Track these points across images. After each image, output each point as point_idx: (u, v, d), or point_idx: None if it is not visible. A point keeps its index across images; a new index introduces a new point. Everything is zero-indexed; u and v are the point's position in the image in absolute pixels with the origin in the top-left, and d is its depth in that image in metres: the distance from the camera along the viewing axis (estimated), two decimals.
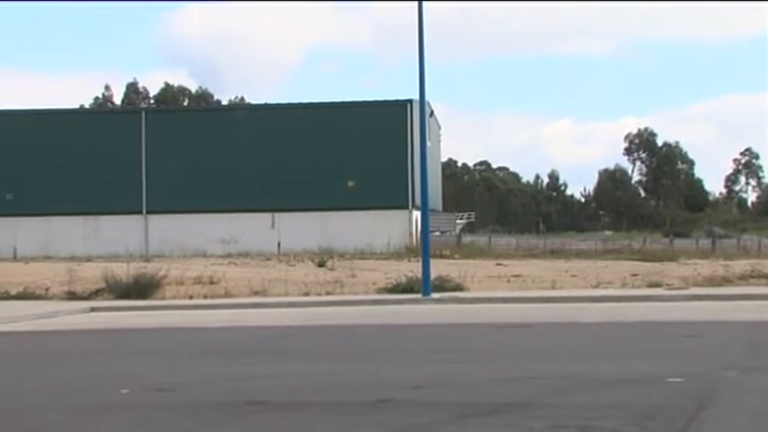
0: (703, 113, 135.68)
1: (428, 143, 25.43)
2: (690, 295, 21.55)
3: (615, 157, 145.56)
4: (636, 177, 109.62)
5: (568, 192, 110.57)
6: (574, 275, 28.41)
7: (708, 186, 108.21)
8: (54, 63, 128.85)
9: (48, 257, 41.01)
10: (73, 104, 78.23)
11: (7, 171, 46.49)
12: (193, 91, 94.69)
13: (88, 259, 37.10)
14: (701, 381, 9.29)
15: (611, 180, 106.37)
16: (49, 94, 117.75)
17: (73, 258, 37.55)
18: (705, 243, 51.32)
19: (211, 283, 26.07)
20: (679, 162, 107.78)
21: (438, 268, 25.06)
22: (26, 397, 9.56)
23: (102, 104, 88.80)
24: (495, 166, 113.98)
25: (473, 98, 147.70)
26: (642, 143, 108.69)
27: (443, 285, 23.66)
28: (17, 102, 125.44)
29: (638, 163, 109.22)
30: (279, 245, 45.49)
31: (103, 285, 24.07)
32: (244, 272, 30.32)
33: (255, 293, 24.24)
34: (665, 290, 22.97)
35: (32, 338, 16.60)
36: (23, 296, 23.77)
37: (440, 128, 59.98)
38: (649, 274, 27.10)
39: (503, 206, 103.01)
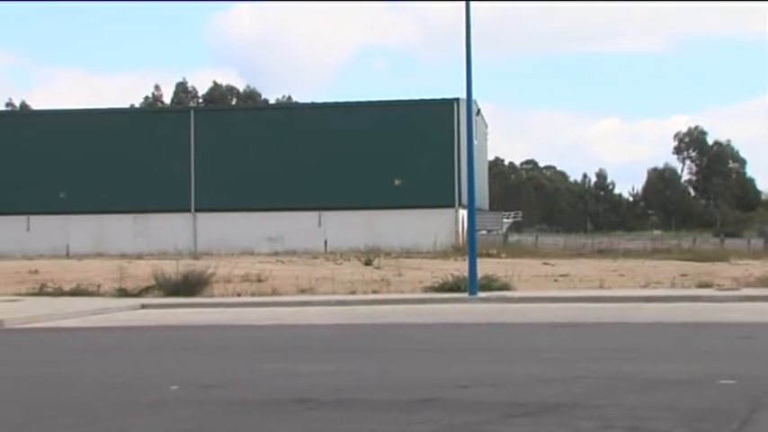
0: (755, 111, 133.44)
1: (475, 142, 25.33)
2: (741, 296, 21.23)
3: (664, 155, 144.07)
4: (685, 176, 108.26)
5: (616, 191, 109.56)
6: (622, 275, 28.13)
7: (760, 185, 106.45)
8: (107, 63, 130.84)
9: (99, 255, 41.64)
10: (124, 104, 79.37)
11: (61, 170, 47.26)
12: (241, 90, 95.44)
13: (138, 257, 37.60)
14: (754, 383, 9.14)
15: (661, 179, 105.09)
16: (101, 93, 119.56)
17: (124, 256, 38.08)
18: (757, 243, 50.51)
19: (259, 281, 26.25)
20: (730, 161, 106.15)
21: (484, 267, 24.98)
22: (78, 392, 9.72)
23: (152, 104, 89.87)
24: (541, 164, 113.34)
25: (520, 96, 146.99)
26: (692, 141, 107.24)
27: (490, 284, 23.58)
28: (71, 101, 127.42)
29: (687, 162, 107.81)
30: (326, 243, 45.68)
31: (153, 283, 24.36)
32: (291, 270, 30.49)
33: (302, 292, 24.36)
34: (716, 290, 22.64)
35: (85, 334, 16.86)
36: (76, 293, 24.15)
37: (486, 126, 59.76)
38: (699, 274, 26.72)
39: (550, 205, 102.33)
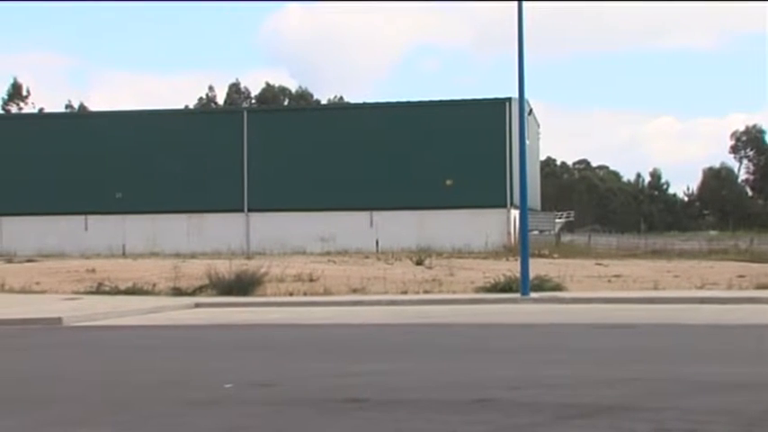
0: None
1: (527, 141, 25.19)
2: None
3: (720, 154, 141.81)
4: (743, 175, 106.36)
5: (671, 190, 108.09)
6: (677, 276, 27.74)
7: None
8: (161, 65, 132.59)
9: (154, 254, 42.21)
10: (179, 105, 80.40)
11: (117, 170, 48.01)
12: (293, 90, 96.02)
13: (192, 256, 38.03)
14: None
15: (717, 178, 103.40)
16: (157, 94, 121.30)
17: (178, 255, 38.55)
18: None
19: (311, 280, 26.36)
20: None
21: (537, 268, 24.81)
22: (135, 389, 9.88)
23: (206, 105, 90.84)
24: (594, 164, 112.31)
25: (572, 96, 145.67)
26: (750, 140, 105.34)
27: (542, 285, 23.42)
28: (126, 103, 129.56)
29: (744, 161, 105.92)
30: (377, 243, 45.76)
31: (207, 282, 24.58)
32: (342, 270, 30.59)
33: (354, 291, 24.42)
34: None
35: (141, 332, 17.11)
36: (132, 291, 24.49)
37: (539, 126, 59.36)
38: (757, 275, 26.22)
39: (602, 205, 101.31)
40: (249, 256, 36.76)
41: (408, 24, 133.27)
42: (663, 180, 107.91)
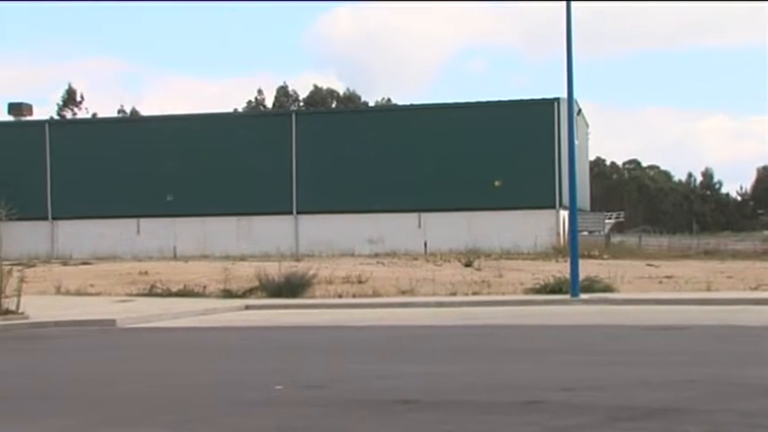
0: None
1: (576, 141, 24.98)
2: None
3: None
4: None
5: (723, 190, 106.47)
6: (730, 277, 27.31)
7: None
8: (212, 68, 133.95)
9: (204, 256, 42.66)
10: (228, 108, 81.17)
11: (168, 174, 48.61)
12: (341, 93, 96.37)
13: (242, 258, 38.35)
14: None
15: None
16: (206, 98, 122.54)
17: (227, 257, 38.91)
18: None
19: (360, 282, 26.44)
20: None
21: (586, 269, 24.61)
22: (189, 390, 10.01)
23: (255, 108, 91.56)
24: (644, 164, 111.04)
25: (622, 95, 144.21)
26: None
27: (592, 286, 23.22)
28: (177, 107, 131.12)
29: None
30: (425, 244, 45.74)
31: (257, 284, 24.78)
32: (391, 271, 30.62)
33: (403, 293, 24.44)
34: None
35: (193, 334, 17.32)
36: (183, 293, 24.76)
37: (588, 126, 58.87)
38: None
39: (653, 205, 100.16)
40: (298, 258, 36.98)
41: (456, 25, 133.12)
42: (715, 179, 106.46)
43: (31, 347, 15.49)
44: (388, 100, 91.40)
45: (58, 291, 25.96)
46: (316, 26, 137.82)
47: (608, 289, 23.40)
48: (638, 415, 7.74)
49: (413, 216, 46.82)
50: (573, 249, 22.66)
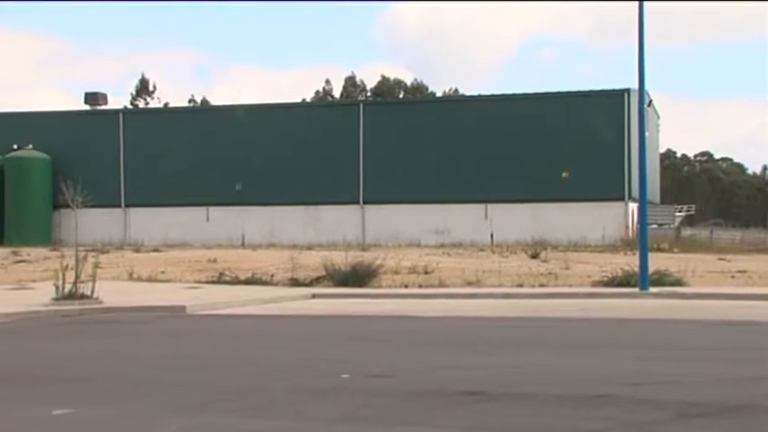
0: None
1: (646, 133, 24.57)
2: None
3: None
4: None
5: None
6: None
7: None
8: (281, 59, 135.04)
9: (272, 245, 43.10)
10: (296, 98, 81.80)
11: (237, 163, 49.22)
12: (409, 83, 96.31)
13: (308, 247, 38.65)
14: None
15: None
16: (274, 88, 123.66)
17: (295, 246, 39.26)
18: None
19: (426, 272, 26.45)
20: None
21: (656, 262, 24.25)
22: (256, 376, 10.17)
23: (323, 98, 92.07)
24: (717, 156, 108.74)
25: (694, 86, 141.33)
26: None
27: (662, 280, 22.88)
28: (246, 97, 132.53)
29: None
30: (492, 236, 45.54)
31: (323, 273, 24.96)
32: (457, 262, 30.59)
33: (469, 284, 24.39)
34: None
35: (261, 321, 17.55)
36: (251, 281, 25.07)
37: (658, 117, 57.86)
38: None
39: (725, 198, 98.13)
40: (364, 248, 37.14)
41: (525, 15, 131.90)
42: None
43: (104, 332, 15.88)
44: (456, 90, 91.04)
45: (131, 277, 26.52)
46: (384, 16, 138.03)
47: (678, 283, 23.04)
48: (709, 412, 7.63)
49: (479, 207, 46.62)
50: (642, 242, 22.35)
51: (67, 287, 19.14)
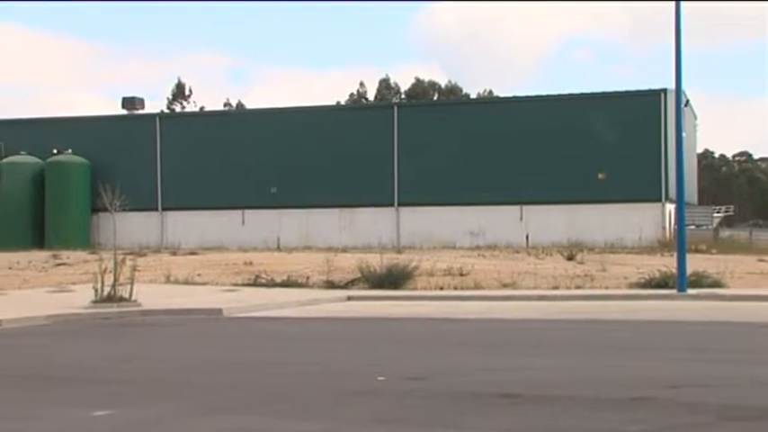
0: None
1: (683, 133, 24.33)
2: None
3: None
4: None
5: None
6: None
7: None
8: (316, 62, 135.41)
9: (307, 248, 43.27)
10: (330, 101, 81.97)
11: (272, 166, 49.47)
12: (443, 85, 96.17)
13: (344, 250, 38.75)
14: None
15: None
16: (309, 91, 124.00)
17: (330, 249, 39.37)
18: None
19: (461, 274, 26.39)
20: None
21: (694, 263, 24.01)
22: (292, 378, 10.20)
23: (357, 100, 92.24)
24: (756, 156, 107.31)
25: (732, 85, 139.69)
26: None
27: (700, 281, 22.64)
28: (281, 100, 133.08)
29: None
30: (527, 237, 45.34)
31: (359, 275, 24.99)
32: (492, 264, 30.49)
33: (504, 286, 24.30)
34: None
35: (297, 324, 17.61)
36: (287, 284, 25.16)
37: (696, 117, 57.29)
38: None
39: (765, 199, 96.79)
40: (399, 250, 37.14)
41: (560, 16, 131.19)
42: None
43: (142, 334, 16.04)
44: (490, 92, 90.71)
45: (168, 280, 26.75)
46: (418, 18, 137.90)
47: (716, 284, 22.78)
48: (751, 415, 7.53)
49: (514, 208, 46.45)
50: (680, 243, 22.14)
51: (106, 290, 19.35)
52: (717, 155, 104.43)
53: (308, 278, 25.78)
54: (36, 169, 50.03)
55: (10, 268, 32.57)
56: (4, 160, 50.36)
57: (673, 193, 36.03)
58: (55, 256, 36.76)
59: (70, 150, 50.37)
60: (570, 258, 32.31)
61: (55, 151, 50.21)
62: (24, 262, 34.86)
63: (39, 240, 48.05)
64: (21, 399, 9.27)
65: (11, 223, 49.34)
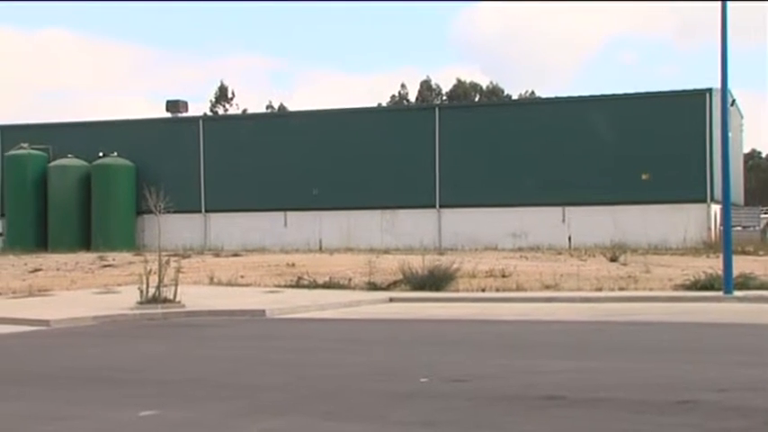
0: None
1: (729, 134, 24.00)
2: None
3: None
4: None
5: None
6: None
7: None
8: (359, 64, 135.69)
9: (349, 249, 43.35)
10: (372, 103, 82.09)
11: (314, 168, 49.67)
12: (484, 86, 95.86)
13: (385, 251, 38.78)
14: None
15: None
16: (351, 93, 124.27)
17: (372, 250, 39.43)
18: None
19: (503, 276, 26.28)
20: None
21: (740, 265, 23.68)
22: (335, 380, 10.25)
23: (398, 102, 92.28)
24: None
25: None
26: None
27: (747, 283, 22.31)
28: (323, 102, 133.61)
29: None
30: (569, 239, 45.02)
31: (400, 277, 24.97)
32: (534, 266, 30.32)
33: (547, 288, 24.15)
34: None
35: (339, 325, 17.67)
36: (329, 285, 25.22)
37: (742, 117, 56.48)
38: None
39: None
40: (441, 252, 37.08)
41: (604, 16, 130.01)
42: None
43: (187, 335, 16.20)
44: (532, 93, 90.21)
45: (211, 281, 26.98)
46: (460, 19, 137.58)
47: (764, 287, 22.42)
48: None
49: (557, 210, 46.14)
50: (726, 244, 21.85)
51: (151, 291, 19.58)
52: (764, 155, 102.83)
53: (349, 280, 25.82)
54: (83, 172, 50.76)
55: (58, 269, 33.10)
56: (53, 163, 51.15)
57: (718, 193, 35.53)
58: (101, 258, 37.27)
59: (116, 153, 51.01)
60: (613, 260, 32.03)
61: (101, 154, 50.89)
62: (72, 263, 35.40)
63: (85, 242, 48.75)
64: (67, 398, 9.43)
65: (58, 225, 50.12)
